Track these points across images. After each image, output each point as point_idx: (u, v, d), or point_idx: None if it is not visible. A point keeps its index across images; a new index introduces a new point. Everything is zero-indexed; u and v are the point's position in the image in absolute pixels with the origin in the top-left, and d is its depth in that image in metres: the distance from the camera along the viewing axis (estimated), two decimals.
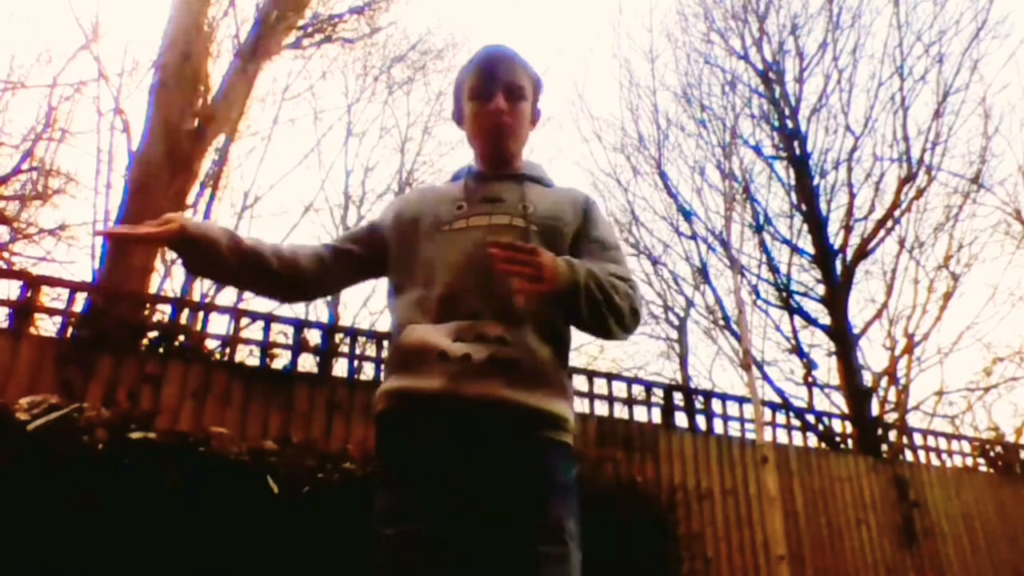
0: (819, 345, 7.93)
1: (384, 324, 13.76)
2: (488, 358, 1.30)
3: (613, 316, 1.35)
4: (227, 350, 4.40)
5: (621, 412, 5.36)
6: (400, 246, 1.51)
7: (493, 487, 1.26)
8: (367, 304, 14.24)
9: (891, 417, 6.99)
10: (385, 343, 4.91)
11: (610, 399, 5.27)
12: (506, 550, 1.22)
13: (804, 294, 7.83)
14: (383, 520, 1.27)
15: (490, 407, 1.29)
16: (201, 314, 4.59)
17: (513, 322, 1.35)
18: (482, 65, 1.52)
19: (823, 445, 6.30)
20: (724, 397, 5.85)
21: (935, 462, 6.58)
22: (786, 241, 7.99)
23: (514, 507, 1.25)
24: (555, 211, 1.50)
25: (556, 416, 1.34)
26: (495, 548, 1.22)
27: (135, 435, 2.88)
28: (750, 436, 5.56)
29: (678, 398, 5.74)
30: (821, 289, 7.77)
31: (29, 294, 3.98)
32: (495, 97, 1.50)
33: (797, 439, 6.06)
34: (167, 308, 4.71)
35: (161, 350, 4.11)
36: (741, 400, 5.84)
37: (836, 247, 7.80)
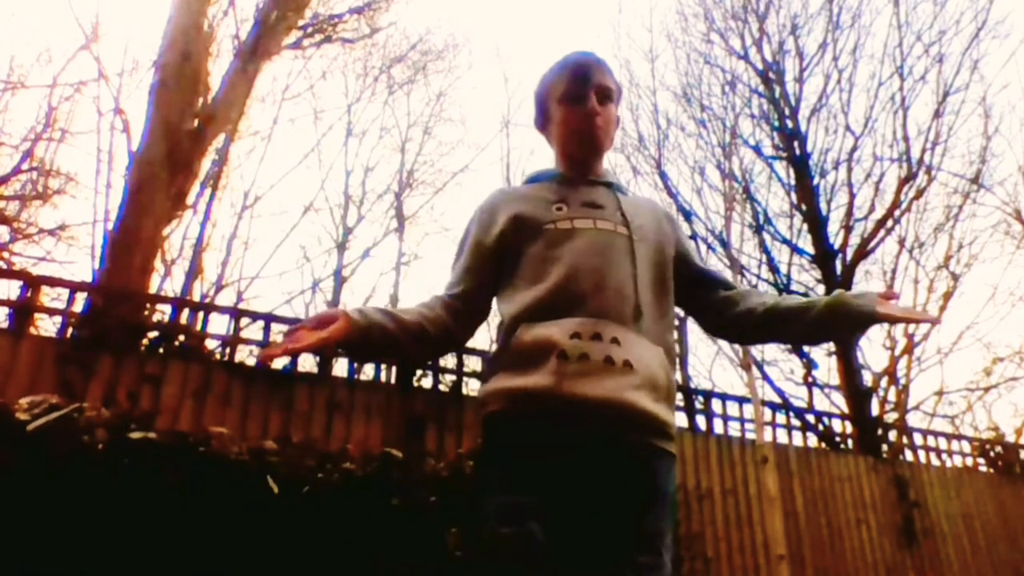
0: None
1: None
2: (605, 359, 1.30)
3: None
4: (227, 350, 4.40)
5: None
6: (504, 249, 1.49)
7: (599, 490, 1.27)
8: (367, 304, 14.22)
9: (891, 417, 6.99)
10: None
11: None
12: (606, 556, 1.23)
13: (804, 294, 7.83)
14: (499, 519, 1.24)
15: (604, 409, 1.28)
16: (201, 314, 4.59)
17: (629, 325, 1.36)
18: (573, 68, 1.54)
19: (823, 445, 6.30)
20: (724, 397, 5.85)
21: (935, 462, 6.58)
22: (786, 241, 8.00)
23: (618, 513, 1.26)
24: (655, 227, 1.54)
25: (665, 423, 1.35)
26: (596, 552, 1.23)
27: (135, 435, 2.88)
28: (750, 436, 5.56)
29: (678, 398, 5.74)
30: (821, 289, 7.77)
31: (29, 294, 3.98)
32: (588, 99, 1.51)
33: (797, 439, 6.06)
34: (167, 308, 4.71)
35: (161, 350, 4.11)
36: (741, 400, 5.84)
37: (836, 247, 7.80)
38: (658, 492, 1.30)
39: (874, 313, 1.39)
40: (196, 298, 9.60)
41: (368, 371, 4.89)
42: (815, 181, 8.08)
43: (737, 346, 7.23)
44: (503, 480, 1.29)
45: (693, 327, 10.97)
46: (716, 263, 8.24)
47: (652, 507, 1.28)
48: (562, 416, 1.28)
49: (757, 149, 8.48)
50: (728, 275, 1.53)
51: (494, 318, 1.53)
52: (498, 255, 1.49)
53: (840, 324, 1.43)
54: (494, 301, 1.52)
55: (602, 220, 1.47)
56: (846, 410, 7.13)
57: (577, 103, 1.51)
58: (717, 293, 1.58)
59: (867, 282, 8.85)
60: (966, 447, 6.94)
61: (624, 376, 1.30)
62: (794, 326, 1.46)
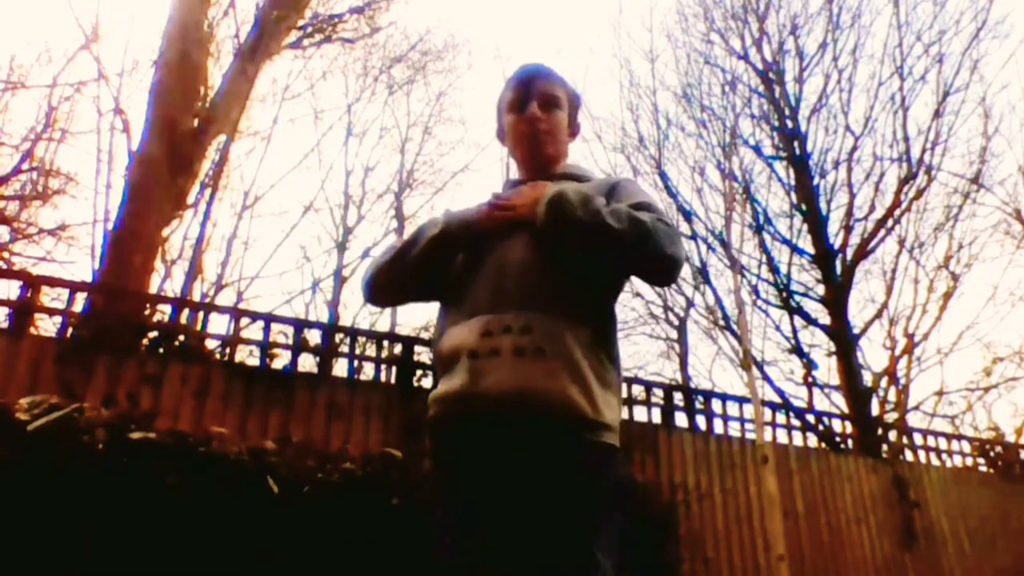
0: (819, 345, 7.93)
1: (384, 325, 13.76)
2: (514, 350, 1.27)
3: (603, 234, 1.29)
4: (227, 350, 4.40)
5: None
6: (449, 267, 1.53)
7: (524, 488, 1.22)
8: (367, 304, 14.20)
9: (891, 417, 6.99)
10: (385, 343, 4.92)
11: None
12: (535, 559, 1.16)
13: (804, 294, 7.83)
14: (436, 530, 1.26)
15: (514, 402, 1.25)
16: (201, 314, 4.59)
17: (540, 309, 1.31)
18: (518, 79, 1.62)
19: (823, 445, 6.30)
20: (724, 397, 5.85)
21: (935, 462, 6.58)
22: (786, 241, 7.99)
23: (544, 512, 1.19)
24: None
25: (587, 411, 1.26)
26: (526, 555, 1.17)
27: (135, 435, 2.88)
28: (750, 436, 5.56)
29: (678, 398, 5.74)
30: (821, 289, 7.77)
31: (29, 294, 3.98)
32: (530, 106, 1.58)
33: (797, 439, 6.06)
34: (167, 308, 4.71)
35: (161, 350, 4.11)
36: (741, 400, 5.84)
37: (836, 247, 7.80)
38: (585, 487, 1.21)
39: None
40: (196, 298, 9.61)
41: (368, 371, 4.90)
42: (815, 181, 8.07)
43: (737, 346, 7.22)
44: (440, 489, 1.32)
45: (693, 327, 10.97)
46: (716, 263, 8.25)
47: (579, 503, 1.19)
48: (479, 414, 1.28)
49: (757, 149, 8.48)
50: (649, 211, 1.38)
51: None
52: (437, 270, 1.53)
53: None
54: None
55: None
56: (846, 410, 7.13)
57: (520, 111, 1.59)
58: None
59: (867, 282, 8.87)
60: (966, 447, 6.94)
61: (536, 364, 1.26)
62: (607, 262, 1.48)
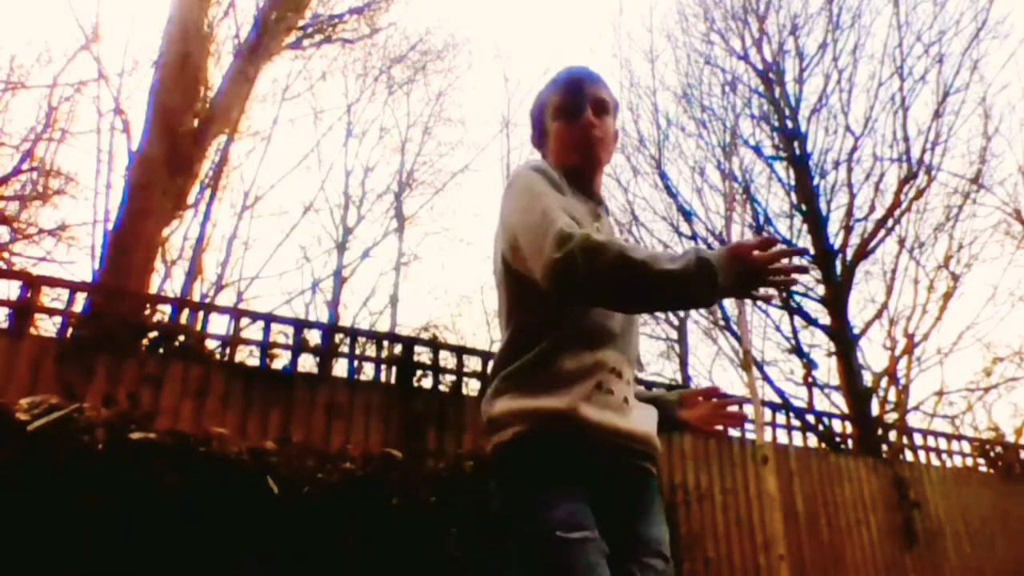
0: (819, 345, 7.94)
1: (384, 325, 13.76)
2: (623, 396, 1.40)
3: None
4: (227, 350, 4.40)
5: None
6: None
7: (626, 510, 1.38)
8: (367, 304, 14.22)
9: (891, 417, 6.99)
10: (385, 343, 4.91)
11: None
12: (631, 561, 1.33)
13: (804, 294, 7.83)
14: (564, 526, 1.25)
15: (632, 440, 1.39)
16: (201, 314, 4.59)
17: (628, 358, 1.45)
18: (568, 83, 1.54)
19: (823, 445, 6.30)
20: (724, 397, 5.84)
21: (935, 462, 6.58)
22: (786, 241, 7.98)
23: (641, 529, 1.37)
24: None
25: (658, 450, 1.48)
26: (624, 559, 1.32)
27: (135, 435, 2.88)
28: (750, 436, 5.56)
29: None
30: (821, 289, 7.77)
31: (29, 294, 3.98)
32: (584, 112, 1.50)
33: (797, 439, 6.06)
34: (167, 308, 4.71)
35: (161, 350, 4.11)
36: (741, 400, 5.83)
37: (836, 247, 7.80)
38: (661, 508, 1.45)
39: (677, 420, 1.62)
40: (196, 298, 9.61)
41: (368, 371, 4.90)
42: (815, 181, 8.07)
43: (737, 346, 7.23)
44: (562, 491, 1.29)
45: (693, 327, 10.98)
46: None
47: (660, 520, 1.42)
48: (592, 441, 1.35)
49: (757, 149, 8.48)
50: None
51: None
52: None
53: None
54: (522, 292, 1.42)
55: None
56: (846, 410, 7.13)
57: (573, 117, 1.50)
58: None
59: (867, 282, 8.87)
60: (966, 447, 6.94)
61: (636, 411, 1.43)
62: None
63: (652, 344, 12.47)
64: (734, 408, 1.69)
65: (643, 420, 1.45)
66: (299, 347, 4.51)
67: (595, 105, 1.51)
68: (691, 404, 1.68)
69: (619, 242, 1.26)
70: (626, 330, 1.45)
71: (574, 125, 1.50)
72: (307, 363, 4.90)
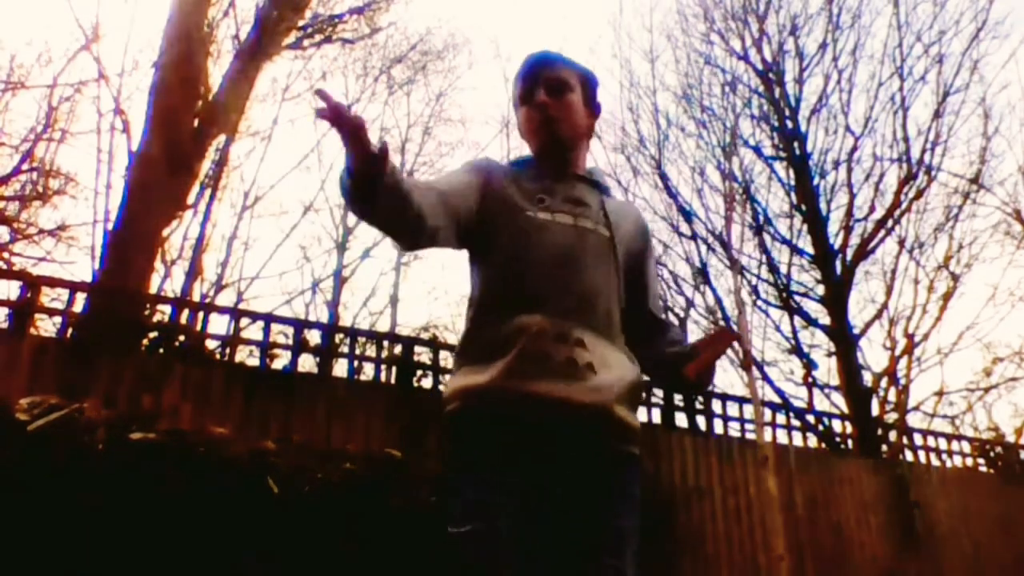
0: (819, 345, 7.93)
1: (384, 325, 13.77)
2: (567, 360, 1.30)
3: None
4: (227, 350, 4.40)
5: None
6: (485, 218, 1.44)
7: (565, 491, 1.28)
8: (367, 304, 14.22)
9: (891, 417, 6.98)
10: (385, 343, 4.91)
11: None
12: (574, 557, 1.23)
13: (804, 294, 7.83)
14: (466, 517, 1.22)
15: (564, 410, 1.29)
16: (201, 314, 4.59)
17: (594, 328, 1.36)
18: (523, 70, 1.57)
19: (823, 445, 6.30)
20: (724, 397, 5.85)
21: (935, 462, 6.58)
22: (786, 241, 7.99)
23: (584, 515, 1.26)
24: (626, 227, 1.54)
25: (629, 427, 1.36)
26: (565, 553, 1.24)
27: (135, 435, 2.88)
28: (750, 436, 5.56)
29: (678, 398, 5.74)
30: (821, 289, 7.77)
31: (29, 294, 3.98)
32: (536, 94, 1.53)
33: (797, 439, 6.06)
34: (167, 308, 4.71)
35: (161, 350, 4.11)
36: (741, 400, 5.84)
37: (836, 247, 7.79)
38: (623, 494, 1.31)
39: (682, 375, 1.40)
40: (196, 298, 9.60)
41: (368, 371, 4.90)
42: (815, 181, 8.07)
43: (737, 346, 7.22)
44: (471, 479, 1.26)
45: (693, 327, 10.97)
46: (716, 263, 8.25)
47: (618, 508, 1.29)
48: (523, 416, 1.28)
49: (757, 150, 8.48)
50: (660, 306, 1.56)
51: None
52: (478, 204, 1.43)
53: (674, 377, 1.47)
54: (466, 263, 1.52)
55: (584, 219, 1.46)
56: (846, 410, 7.12)
57: (528, 102, 1.55)
58: (641, 318, 1.56)
59: (867, 282, 8.85)
60: (966, 447, 6.94)
61: (588, 379, 1.31)
62: (662, 376, 1.55)
63: None
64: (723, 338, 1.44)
65: (603, 389, 1.31)
66: (299, 347, 4.51)
67: (549, 84, 1.53)
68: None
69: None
70: (582, 289, 1.37)
71: (530, 109, 1.54)
72: (307, 363, 4.91)
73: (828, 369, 7.71)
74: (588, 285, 1.38)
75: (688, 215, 8.05)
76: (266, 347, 4.40)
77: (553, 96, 1.52)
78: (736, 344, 1.33)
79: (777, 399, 6.48)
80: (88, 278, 5.84)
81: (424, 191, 1.31)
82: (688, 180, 10.65)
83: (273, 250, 15.45)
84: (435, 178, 1.48)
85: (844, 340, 7.41)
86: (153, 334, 4.19)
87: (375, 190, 1.22)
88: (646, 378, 1.49)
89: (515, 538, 1.20)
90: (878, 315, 7.62)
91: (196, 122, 6.43)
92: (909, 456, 6.51)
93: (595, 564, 1.23)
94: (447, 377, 4.80)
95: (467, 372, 1.36)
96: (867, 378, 7.35)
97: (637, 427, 1.38)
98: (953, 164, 9.98)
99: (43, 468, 2.64)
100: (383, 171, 1.20)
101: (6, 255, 8.25)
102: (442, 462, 1.35)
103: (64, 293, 4.18)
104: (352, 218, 14.28)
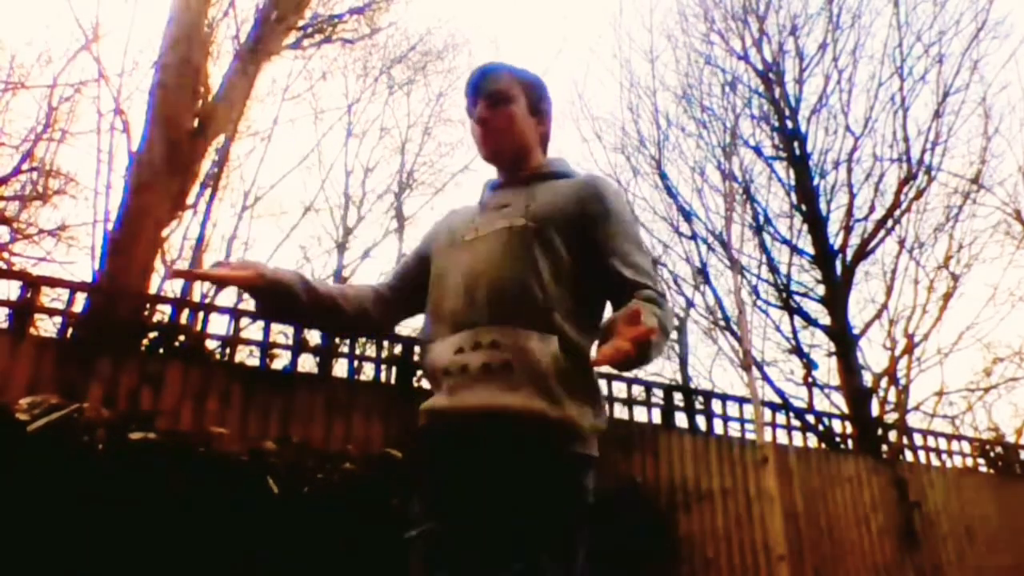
0: (819, 345, 7.93)
1: None
2: (482, 366, 1.33)
3: (658, 354, 1.29)
4: (227, 350, 4.40)
5: (621, 412, 5.36)
6: (429, 267, 1.58)
7: (483, 494, 1.27)
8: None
9: (891, 417, 6.98)
10: (385, 343, 4.92)
11: (610, 399, 5.27)
12: (486, 562, 1.21)
13: (804, 294, 7.83)
14: (411, 524, 1.35)
15: (484, 416, 1.32)
16: (201, 314, 4.59)
17: (508, 323, 1.34)
18: (467, 84, 1.60)
19: (823, 445, 6.30)
20: (724, 397, 5.85)
21: (935, 462, 6.58)
22: (786, 241, 7.99)
23: (496, 517, 1.23)
24: (555, 202, 1.46)
25: (556, 420, 1.28)
26: (481, 558, 1.23)
27: (135, 435, 2.88)
28: (750, 436, 5.56)
29: (678, 398, 5.74)
30: (821, 289, 7.77)
31: (29, 294, 3.98)
32: (476, 109, 1.56)
33: (797, 439, 6.06)
34: (167, 308, 4.71)
35: (161, 350, 4.11)
36: (741, 400, 5.84)
37: (836, 247, 7.80)
38: (536, 490, 1.24)
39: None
40: (196, 298, 9.60)
41: (368, 371, 4.90)
42: (815, 181, 8.07)
43: (737, 346, 7.22)
44: (420, 489, 1.39)
45: (693, 328, 10.97)
46: (716, 263, 8.25)
47: (527, 507, 1.22)
48: (455, 428, 1.37)
49: (757, 149, 8.48)
50: (651, 274, 1.42)
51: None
52: (422, 265, 1.60)
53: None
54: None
55: (501, 220, 1.46)
56: (846, 410, 7.13)
57: (472, 116, 1.58)
58: (609, 280, 1.42)
59: (867, 282, 8.86)
60: (966, 447, 6.94)
61: (503, 379, 1.30)
62: None
63: None
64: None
65: (514, 387, 1.28)
66: (299, 347, 4.51)
67: (489, 98, 1.55)
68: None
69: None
70: (490, 291, 1.36)
71: (474, 124, 1.58)
72: (307, 363, 4.91)
73: (828, 369, 7.72)
74: (497, 285, 1.36)
75: (688, 215, 8.05)
76: (266, 347, 4.40)
77: (493, 108, 1.54)
78: (636, 328, 1.05)
79: (777, 399, 6.48)
80: (88, 278, 5.84)
81: (357, 291, 1.58)
82: (688, 180, 10.68)
83: (273, 250, 15.43)
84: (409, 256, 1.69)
85: (844, 340, 7.41)
86: (153, 334, 4.19)
87: (292, 313, 1.51)
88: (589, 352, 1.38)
89: (450, 542, 1.28)
90: (878, 315, 7.62)
91: (196, 122, 6.43)
92: (909, 456, 6.51)
93: (503, 569, 1.18)
94: None
95: (431, 396, 1.48)
96: (867, 378, 7.36)
97: (566, 415, 1.29)
98: (953, 164, 9.99)
99: (43, 468, 2.64)
100: (290, 295, 1.45)
101: (6, 255, 8.25)
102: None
103: (64, 293, 4.18)
104: (352, 218, 14.30)
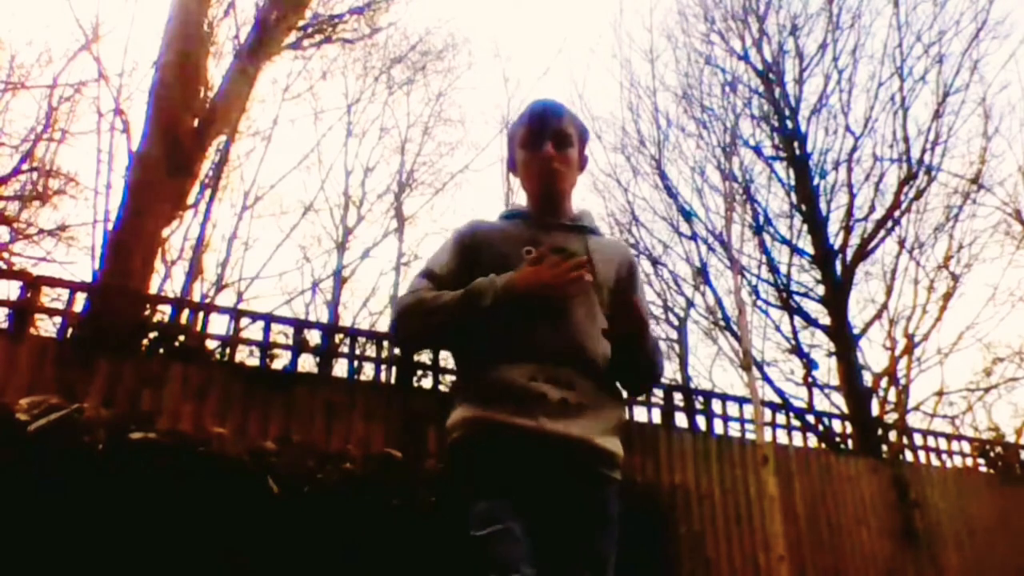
0: (819, 345, 7.93)
1: (383, 325, 13.76)
2: (561, 400, 1.45)
3: (657, 369, 1.61)
4: (227, 350, 4.40)
5: None
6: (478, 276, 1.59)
7: (555, 513, 1.41)
8: (367, 304, 14.22)
9: (891, 417, 6.98)
10: (385, 344, 4.92)
11: None
12: (560, 573, 1.37)
13: (804, 294, 7.83)
14: (479, 523, 1.36)
15: (563, 444, 1.43)
16: (201, 314, 4.59)
17: (581, 368, 1.50)
18: (532, 116, 1.68)
19: (823, 445, 6.30)
20: (724, 397, 5.85)
21: (935, 462, 6.57)
22: (786, 241, 7.99)
23: (570, 536, 1.40)
24: (607, 272, 1.64)
25: (613, 455, 1.49)
26: (552, 570, 1.36)
27: (135, 435, 2.88)
28: (750, 436, 5.56)
29: (678, 398, 5.74)
30: (821, 289, 7.77)
31: (29, 294, 3.98)
32: (545, 145, 1.64)
33: (797, 439, 6.06)
34: (167, 308, 4.71)
35: (161, 350, 4.11)
36: (741, 400, 5.84)
37: (836, 247, 7.80)
38: (606, 518, 1.46)
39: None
40: (196, 298, 9.60)
41: (368, 371, 4.90)
42: (815, 182, 8.07)
43: (737, 346, 7.22)
44: (476, 495, 1.41)
45: (693, 328, 10.97)
46: (716, 263, 8.25)
47: (601, 531, 1.44)
48: (527, 448, 1.43)
49: (757, 150, 8.48)
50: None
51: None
52: (468, 276, 1.60)
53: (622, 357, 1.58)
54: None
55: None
56: (846, 410, 7.12)
57: (535, 149, 1.65)
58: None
59: (867, 282, 8.86)
60: (966, 447, 6.94)
61: (578, 416, 1.46)
62: (629, 373, 1.62)
63: None
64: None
65: (589, 425, 1.46)
66: (299, 347, 4.51)
67: (556, 138, 1.65)
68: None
69: (421, 295, 1.55)
70: (569, 335, 1.52)
71: (536, 156, 1.65)
72: (307, 363, 4.91)
73: (828, 369, 7.71)
74: (575, 331, 1.52)
75: (688, 215, 8.05)
76: (266, 347, 4.40)
77: (559, 149, 1.65)
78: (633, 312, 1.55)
79: (777, 399, 6.48)
80: (88, 278, 5.84)
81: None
82: (688, 180, 10.67)
83: (273, 250, 15.42)
84: (434, 271, 1.64)
85: (844, 340, 7.41)
86: (153, 334, 4.19)
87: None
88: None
89: (531, 543, 1.35)
90: (878, 315, 7.62)
91: (196, 122, 6.43)
92: (909, 456, 6.51)
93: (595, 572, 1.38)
94: (446, 376, 4.81)
95: (471, 407, 1.50)
96: (867, 378, 7.36)
97: (619, 453, 1.52)
98: (953, 164, 9.97)
99: (43, 468, 2.64)
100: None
101: (6, 255, 8.25)
102: (448, 480, 1.51)
103: (64, 293, 4.18)
104: (352, 218, 14.29)
